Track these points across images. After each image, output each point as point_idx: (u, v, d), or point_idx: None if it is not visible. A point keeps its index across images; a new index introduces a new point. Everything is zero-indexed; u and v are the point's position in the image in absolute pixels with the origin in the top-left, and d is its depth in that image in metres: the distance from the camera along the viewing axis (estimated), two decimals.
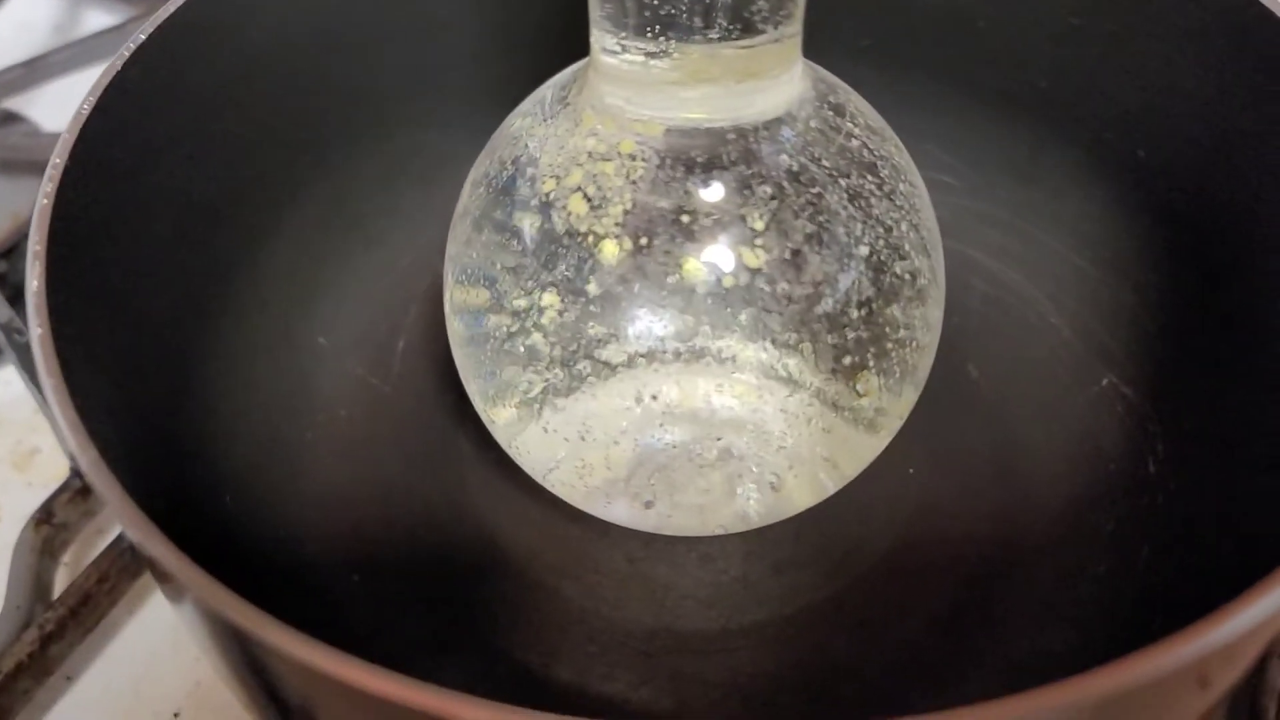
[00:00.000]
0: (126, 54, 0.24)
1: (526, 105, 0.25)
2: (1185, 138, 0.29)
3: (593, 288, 0.23)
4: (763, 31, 0.21)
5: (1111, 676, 0.15)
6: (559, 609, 0.27)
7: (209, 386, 0.28)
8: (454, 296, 0.25)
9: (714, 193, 0.22)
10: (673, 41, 0.21)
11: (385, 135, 0.32)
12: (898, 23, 0.33)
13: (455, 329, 0.26)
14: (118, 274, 0.24)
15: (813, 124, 0.23)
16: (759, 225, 0.22)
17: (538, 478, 0.27)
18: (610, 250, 0.22)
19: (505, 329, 0.24)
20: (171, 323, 0.26)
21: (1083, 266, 0.32)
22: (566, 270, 0.23)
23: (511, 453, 0.27)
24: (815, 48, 0.26)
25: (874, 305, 0.23)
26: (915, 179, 0.25)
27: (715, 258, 0.22)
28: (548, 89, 0.25)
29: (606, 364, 0.23)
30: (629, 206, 0.22)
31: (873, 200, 0.23)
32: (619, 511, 0.27)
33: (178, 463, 0.25)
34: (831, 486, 0.27)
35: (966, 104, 0.33)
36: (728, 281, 0.22)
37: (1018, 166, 0.33)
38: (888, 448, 0.28)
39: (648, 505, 0.26)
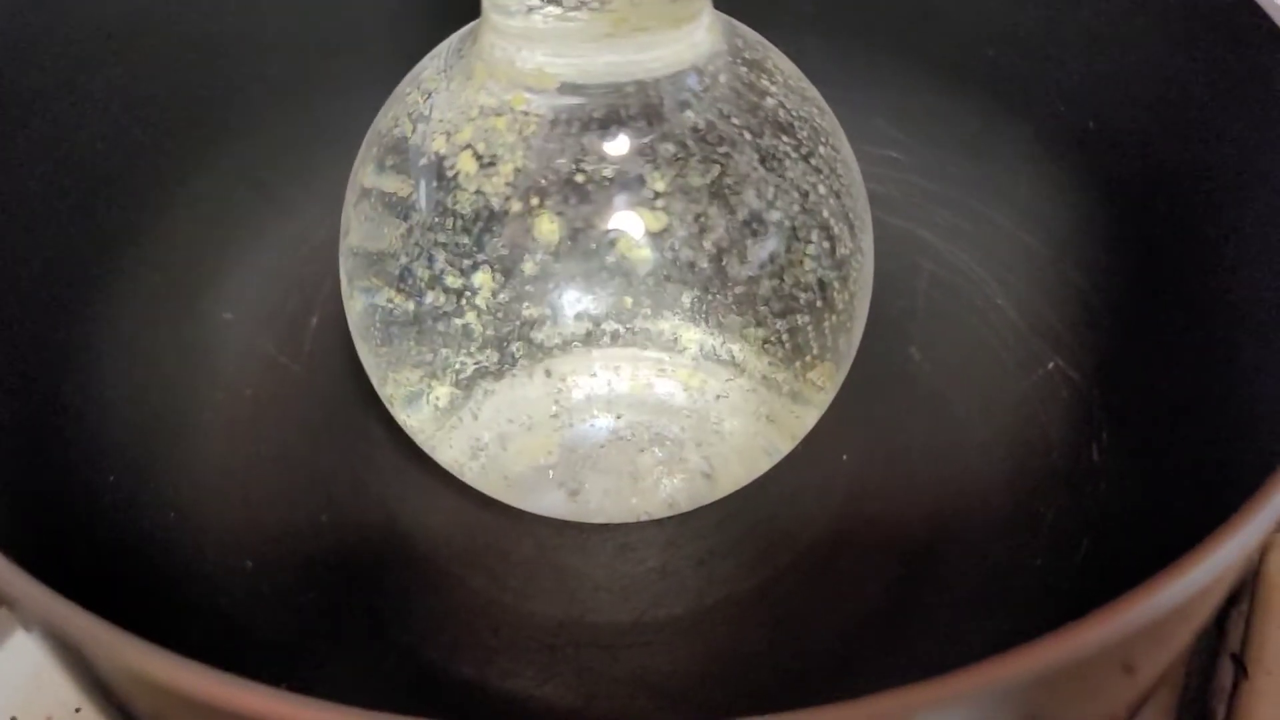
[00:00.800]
0: None
1: (427, 59, 0.24)
2: (1137, 108, 0.27)
3: (489, 254, 0.21)
4: None
5: (1020, 660, 0.14)
6: (463, 600, 0.26)
7: (97, 358, 0.26)
8: (347, 272, 0.24)
9: (612, 150, 0.20)
10: None
11: (300, 99, 0.31)
12: None
13: (351, 312, 0.24)
14: None
15: (722, 79, 0.21)
16: (660, 186, 0.21)
17: (456, 473, 0.25)
18: (509, 213, 0.21)
19: (395, 306, 0.22)
20: (51, 287, 0.25)
21: (1033, 246, 0.30)
22: (460, 237, 0.21)
23: (428, 450, 0.25)
24: (755, 15, 0.25)
25: (785, 273, 0.21)
26: (840, 144, 0.23)
27: (613, 220, 0.21)
28: (451, 41, 0.23)
29: (532, 345, 0.22)
30: (520, 165, 0.21)
31: (787, 163, 0.22)
32: (541, 502, 0.25)
33: (51, 436, 0.24)
34: (764, 463, 0.25)
35: (915, 75, 0.32)
36: (625, 246, 0.21)
37: (968, 141, 0.32)
38: (820, 433, 0.26)
39: (573, 493, 0.25)
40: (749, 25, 0.24)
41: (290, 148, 0.31)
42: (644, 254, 0.21)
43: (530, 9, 0.20)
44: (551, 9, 0.20)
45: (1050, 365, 0.28)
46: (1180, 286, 0.26)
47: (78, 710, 0.29)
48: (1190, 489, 0.23)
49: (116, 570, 0.23)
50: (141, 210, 0.27)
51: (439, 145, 0.21)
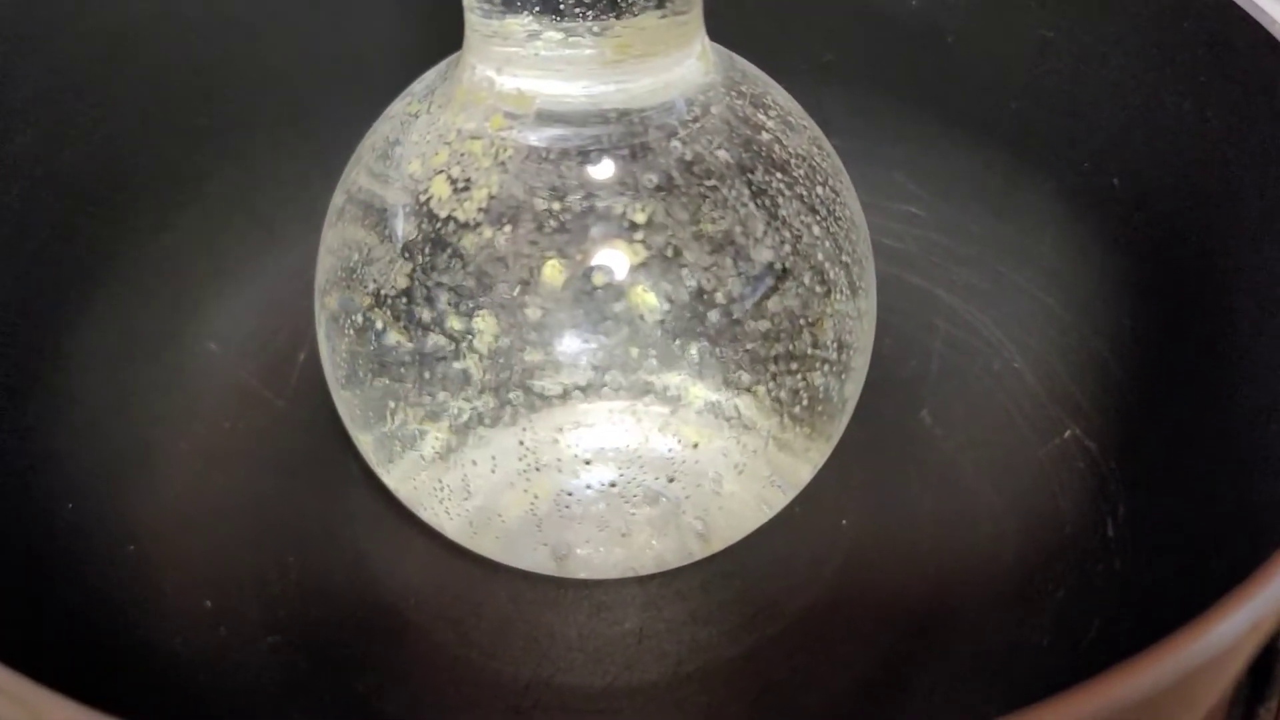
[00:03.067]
0: None
1: (416, 82, 0.23)
2: (1164, 166, 0.26)
3: (463, 287, 0.20)
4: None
5: None
6: (428, 653, 0.24)
7: (65, 380, 0.25)
8: (323, 307, 0.23)
9: (591, 179, 0.19)
10: (589, 15, 0.19)
11: (301, 128, 0.30)
12: (862, 36, 0.31)
13: (321, 349, 0.23)
14: None
15: (714, 110, 0.20)
16: (640, 218, 0.19)
17: (437, 526, 0.24)
18: (474, 241, 0.20)
19: (368, 342, 0.21)
20: (22, 304, 0.24)
21: (1053, 308, 0.29)
22: (432, 268, 0.20)
23: (409, 504, 0.24)
24: (771, 64, 0.24)
25: (772, 316, 0.20)
26: (842, 187, 0.22)
27: (590, 253, 0.19)
28: (440, 66, 0.23)
29: (531, 394, 0.20)
30: (495, 191, 0.20)
31: (780, 200, 0.20)
32: (525, 558, 0.24)
33: (5, 457, 0.23)
34: (759, 519, 0.24)
35: (935, 127, 0.31)
36: (599, 279, 0.19)
37: (989, 198, 0.30)
38: (819, 496, 0.25)
39: (558, 552, 0.23)
40: (766, 73, 0.23)
41: (289, 177, 0.30)
42: (616, 286, 0.19)
43: (531, 35, 0.19)
44: (553, 34, 0.19)
45: (1067, 434, 0.27)
46: (1207, 355, 0.24)
47: None
48: (1211, 571, 0.21)
49: (59, 603, 0.22)
50: (127, 233, 0.27)
51: (414, 169, 0.20)
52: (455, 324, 0.20)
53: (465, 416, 0.21)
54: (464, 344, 0.20)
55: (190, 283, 0.28)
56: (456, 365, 0.20)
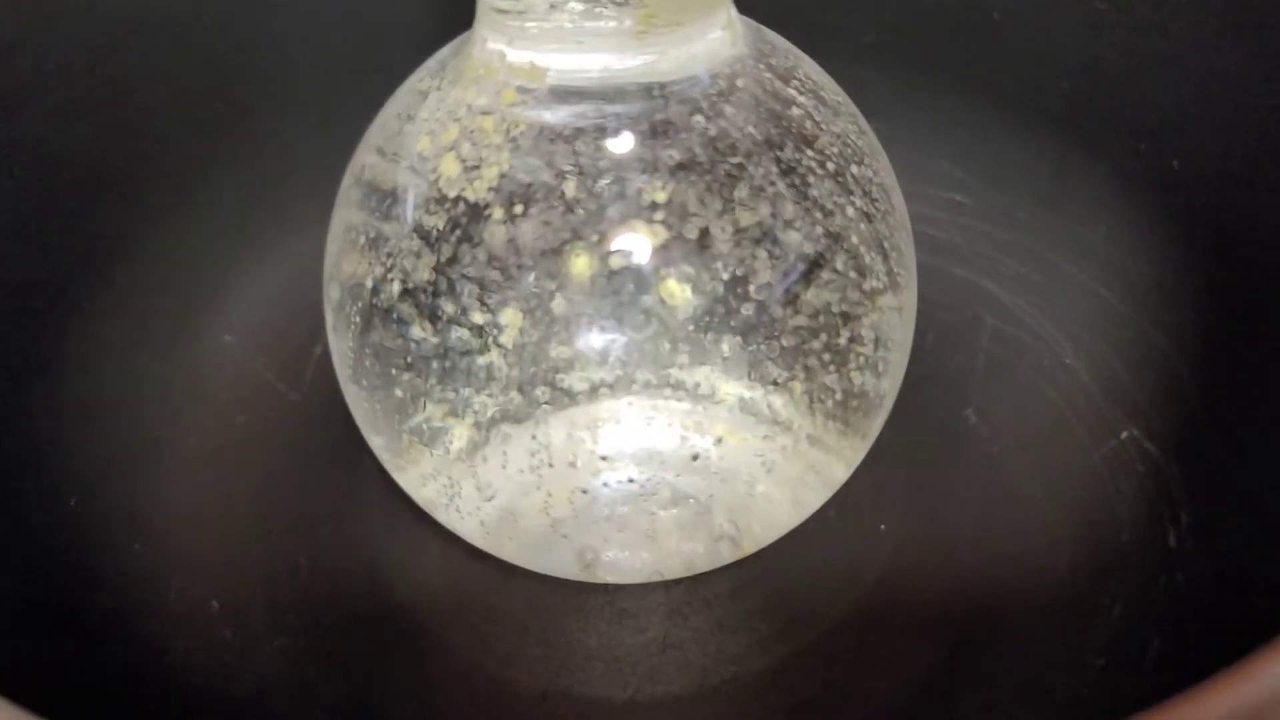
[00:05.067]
0: None
1: (430, 59, 0.22)
2: (1229, 144, 0.24)
3: (477, 273, 0.19)
4: None
5: None
6: (441, 661, 0.23)
7: (72, 372, 0.24)
8: (328, 297, 0.22)
9: (606, 156, 0.18)
10: None
11: (323, 112, 0.29)
12: (904, 15, 0.29)
13: (332, 343, 0.22)
14: None
15: (740, 84, 0.19)
16: (661, 198, 0.18)
17: (450, 526, 0.23)
18: (495, 229, 0.18)
19: (374, 334, 0.20)
20: (27, 290, 0.23)
21: (1109, 301, 0.27)
22: (440, 253, 0.19)
23: (426, 507, 0.23)
24: (811, 45, 0.22)
25: (801, 302, 0.19)
26: (879, 167, 0.21)
27: (605, 235, 0.18)
28: (453, 43, 0.22)
29: (557, 390, 0.19)
30: (506, 169, 0.18)
31: (812, 180, 0.19)
32: (546, 560, 0.23)
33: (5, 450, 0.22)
34: (791, 521, 0.23)
35: (982, 111, 0.29)
36: (617, 263, 0.18)
37: (1039, 184, 0.29)
38: (857, 500, 0.24)
39: (582, 555, 0.22)
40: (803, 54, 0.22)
41: (310, 169, 0.29)
42: (634, 269, 0.18)
43: (552, 6, 0.18)
44: (574, 5, 0.18)
45: (1124, 435, 0.25)
46: (1278, 350, 0.23)
47: None
48: None
49: (60, 602, 0.21)
50: (137, 218, 0.26)
51: (423, 146, 0.19)
52: (472, 315, 0.19)
53: (485, 412, 0.20)
54: (480, 336, 0.19)
55: (203, 271, 0.28)
56: (479, 360, 0.19)
